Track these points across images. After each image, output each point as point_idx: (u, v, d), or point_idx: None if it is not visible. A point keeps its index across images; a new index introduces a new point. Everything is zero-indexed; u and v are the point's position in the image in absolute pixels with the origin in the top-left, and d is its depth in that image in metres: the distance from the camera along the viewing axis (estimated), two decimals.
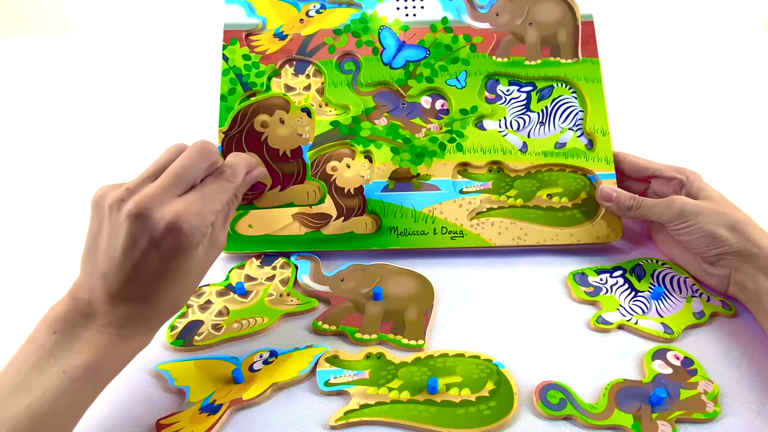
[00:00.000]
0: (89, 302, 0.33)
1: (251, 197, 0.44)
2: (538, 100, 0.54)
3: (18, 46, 0.91)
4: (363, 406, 0.38)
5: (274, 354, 0.42)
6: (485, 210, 0.52)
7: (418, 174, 0.52)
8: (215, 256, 0.37)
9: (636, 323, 0.44)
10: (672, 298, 0.46)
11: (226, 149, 0.43)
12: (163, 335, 0.43)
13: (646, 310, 0.45)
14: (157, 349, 0.42)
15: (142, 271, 0.33)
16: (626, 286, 0.47)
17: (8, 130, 0.72)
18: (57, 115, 0.74)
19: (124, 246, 0.32)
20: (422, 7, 0.56)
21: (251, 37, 0.55)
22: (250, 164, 0.40)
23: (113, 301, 0.33)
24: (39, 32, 0.95)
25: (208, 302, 0.46)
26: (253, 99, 0.44)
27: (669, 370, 0.40)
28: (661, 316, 0.45)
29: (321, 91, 0.54)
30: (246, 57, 0.54)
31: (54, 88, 0.80)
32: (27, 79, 0.83)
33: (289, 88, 0.54)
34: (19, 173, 0.64)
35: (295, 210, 0.51)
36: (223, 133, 0.43)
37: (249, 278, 0.48)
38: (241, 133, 0.43)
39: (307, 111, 0.44)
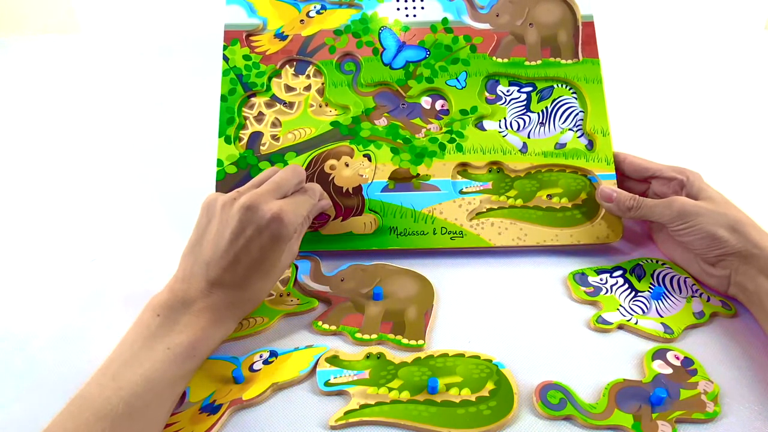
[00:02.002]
0: (187, 291, 0.38)
1: (317, 225, 0.51)
2: (539, 101, 0.54)
3: (20, 46, 0.91)
4: (363, 406, 0.38)
5: (274, 354, 0.42)
6: (485, 210, 0.52)
7: (418, 174, 0.52)
8: (290, 261, 0.43)
9: (636, 323, 0.44)
10: (672, 298, 0.46)
11: None
12: None
13: (646, 310, 0.45)
14: None
15: (242, 260, 0.39)
16: (626, 286, 0.47)
17: (11, 129, 0.72)
18: (59, 114, 0.74)
19: (231, 235, 0.39)
20: (422, 8, 0.56)
21: (252, 38, 0.55)
22: (322, 193, 0.48)
23: (211, 287, 0.39)
24: (41, 32, 0.95)
25: None
26: (325, 147, 0.52)
27: (669, 370, 0.40)
28: (661, 316, 0.45)
29: (321, 92, 0.54)
30: (246, 57, 0.54)
31: (56, 87, 0.80)
32: (29, 79, 0.83)
33: (289, 89, 0.55)
34: (22, 172, 0.64)
35: None
36: None
37: None
38: (313, 174, 0.52)
39: (368, 156, 0.52)
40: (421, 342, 0.42)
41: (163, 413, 0.35)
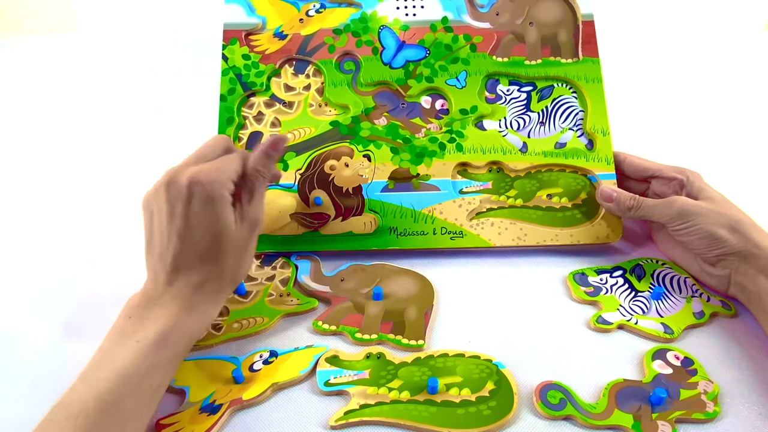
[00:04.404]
0: (154, 289, 0.38)
1: (317, 225, 0.50)
2: (539, 100, 0.54)
3: (19, 46, 0.91)
4: (363, 406, 0.38)
5: (274, 354, 0.41)
6: (485, 210, 0.52)
7: (418, 174, 0.52)
8: (254, 231, 0.41)
9: (636, 323, 0.44)
10: (672, 298, 0.46)
11: (301, 187, 0.51)
12: None
13: (646, 310, 0.45)
14: None
15: (186, 237, 0.38)
16: (626, 286, 0.47)
17: (10, 129, 0.72)
18: (58, 113, 0.74)
19: (167, 218, 0.38)
20: (422, 7, 0.56)
21: (251, 37, 0.55)
22: (264, 143, 0.43)
23: (171, 278, 0.38)
24: (40, 32, 0.95)
25: None
26: (325, 147, 0.52)
27: (669, 370, 0.40)
28: (661, 316, 0.45)
29: (321, 91, 0.54)
30: (246, 57, 0.54)
31: (55, 87, 0.80)
32: (28, 79, 0.83)
33: (288, 88, 0.54)
34: (21, 172, 0.64)
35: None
36: (300, 173, 0.52)
37: (249, 278, 0.48)
38: (313, 175, 0.52)
39: (367, 156, 0.52)
40: (421, 342, 0.42)
41: (142, 405, 0.35)
